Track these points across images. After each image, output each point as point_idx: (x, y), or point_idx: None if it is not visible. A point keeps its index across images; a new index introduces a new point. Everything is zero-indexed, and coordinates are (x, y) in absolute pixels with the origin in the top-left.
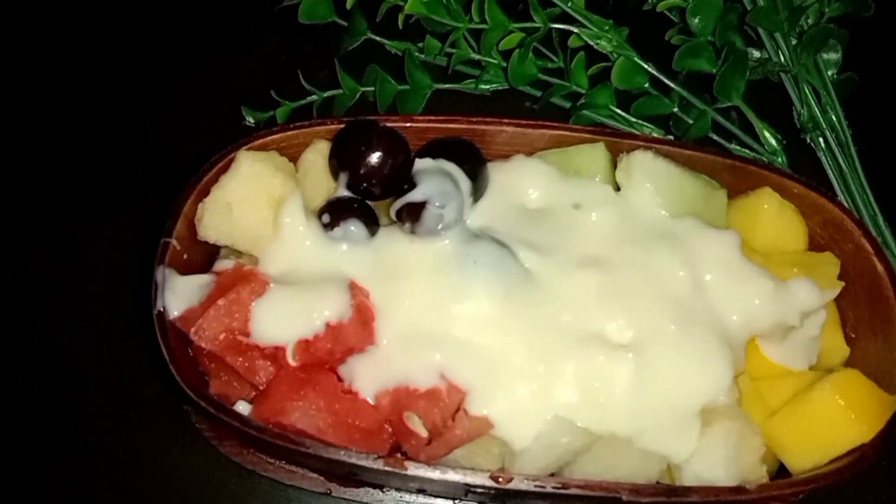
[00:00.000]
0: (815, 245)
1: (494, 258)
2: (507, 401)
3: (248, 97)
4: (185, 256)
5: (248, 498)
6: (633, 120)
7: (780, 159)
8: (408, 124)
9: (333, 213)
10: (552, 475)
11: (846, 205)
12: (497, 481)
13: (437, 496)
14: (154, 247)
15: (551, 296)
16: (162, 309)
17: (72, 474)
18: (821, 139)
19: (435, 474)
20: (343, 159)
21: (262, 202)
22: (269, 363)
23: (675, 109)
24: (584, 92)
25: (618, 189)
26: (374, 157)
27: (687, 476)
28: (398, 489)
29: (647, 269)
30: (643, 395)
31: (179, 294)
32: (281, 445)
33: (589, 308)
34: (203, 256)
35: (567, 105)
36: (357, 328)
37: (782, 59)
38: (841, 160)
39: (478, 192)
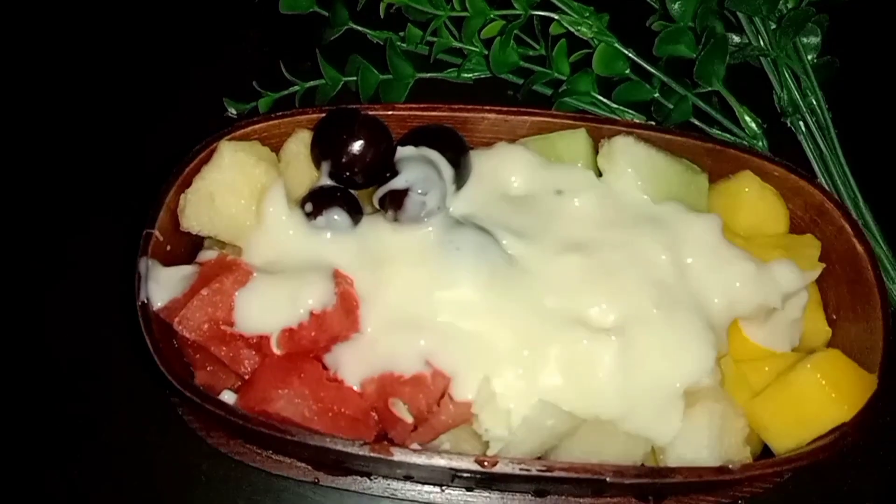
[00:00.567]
0: (796, 227)
1: (477, 245)
2: (492, 385)
3: (229, 88)
4: (168, 247)
5: (235, 489)
6: (615, 106)
7: (760, 143)
8: (389, 112)
9: (316, 202)
10: (538, 459)
11: (826, 187)
12: (483, 465)
13: (424, 482)
14: (137, 238)
15: (535, 281)
16: (145, 300)
17: (58, 466)
18: (801, 123)
19: (421, 460)
20: (325, 148)
21: (244, 192)
22: (253, 352)
23: (657, 95)
24: (565, 79)
25: (600, 174)
26: (357, 146)
27: (671, 458)
28: (385, 476)
29: (629, 254)
30: (627, 378)
31: (163, 285)
32: (267, 434)
33: (572, 293)
34: (186, 247)
35: (549, 92)
36: (341, 316)
37: (762, 43)
38: (821, 143)
39: (460, 179)
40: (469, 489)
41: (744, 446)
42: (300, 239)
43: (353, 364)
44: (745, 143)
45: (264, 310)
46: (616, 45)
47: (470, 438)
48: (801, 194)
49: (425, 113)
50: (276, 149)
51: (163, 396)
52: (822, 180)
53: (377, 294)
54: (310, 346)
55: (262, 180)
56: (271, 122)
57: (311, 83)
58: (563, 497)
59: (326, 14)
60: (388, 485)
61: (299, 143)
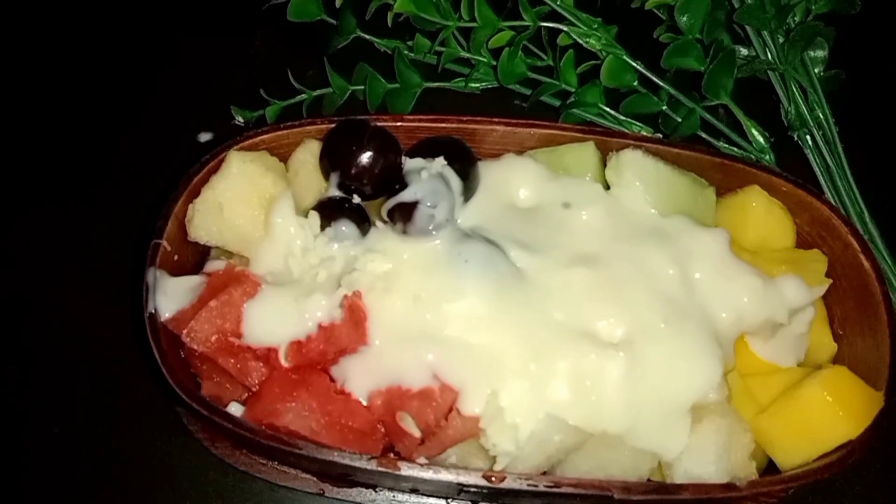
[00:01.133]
0: (802, 242)
1: (485, 257)
2: (499, 400)
3: (237, 96)
4: (176, 258)
5: (240, 499)
6: (622, 118)
7: (767, 157)
8: (398, 123)
9: (325, 213)
10: (544, 474)
11: (833, 202)
12: (490, 480)
13: (430, 495)
14: (145, 248)
15: (542, 294)
16: (153, 311)
17: (64, 475)
18: (808, 137)
19: (428, 474)
20: (334, 159)
21: (252, 202)
22: (261, 364)
23: (664, 107)
24: (573, 90)
25: (607, 187)
26: (366, 157)
27: (678, 473)
28: (391, 489)
29: (636, 268)
30: (634, 392)
31: (171, 296)
32: (274, 447)
33: (580, 307)
34: (194, 257)
35: (556, 103)
36: (349, 329)
37: (770, 56)
38: (828, 157)
39: (469, 191)
40: (475, 503)
41: (750, 461)
42: (308, 250)
43: (361, 377)
44: (753, 156)
45: (272, 322)
46: (624, 57)
47: (477, 452)
48: (808, 209)
49: (434, 124)
50: (285, 158)
51: (169, 406)
52: (829, 195)
53: (385, 307)
54: (318, 358)
55: (270, 191)
56: (280, 133)
57: (319, 91)
58: None
59: (334, 22)
60: (394, 497)
61: (307, 154)
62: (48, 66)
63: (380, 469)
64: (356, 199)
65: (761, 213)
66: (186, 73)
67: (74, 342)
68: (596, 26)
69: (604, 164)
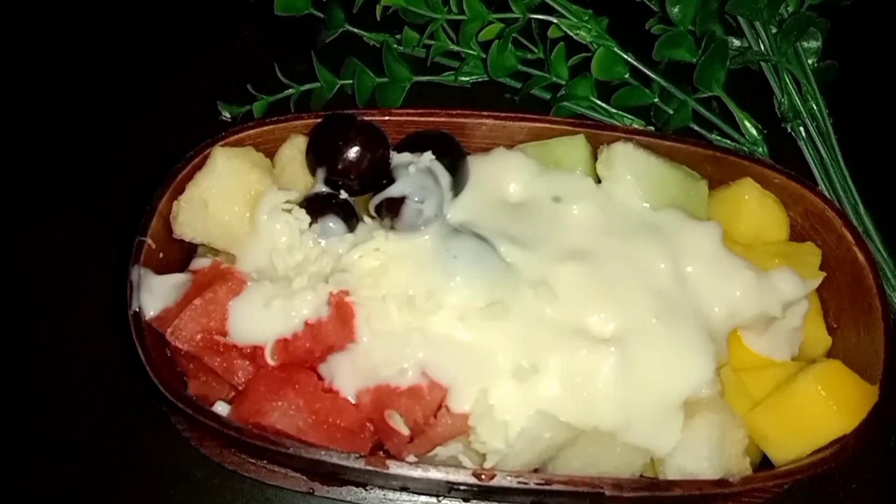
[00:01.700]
0: (796, 235)
1: (475, 253)
2: (489, 397)
3: (223, 92)
4: (161, 255)
5: (229, 498)
6: (614, 111)
7: (760, 149)
8: (386, 118)
9: (311, 209)
10: (535, 471)
11: (827, 194)
12: (480, 478)
13: (420, 493)
14: (129, 246)
15: (532, 290)
16: (138, 309)
17: (51, 476)
18: (801, 128)
19: (417, 472)
20: (320, 154)
21: (238, 199)
22: (247, 363)
23: (656, 100)
24: (564, 83)
25: (598, 181)
26: (353, 152)
27: (671, 469)
28: (381, 487)
29: (628, 262)
30: (626, 388)
31: (156, 294)
32: (261, 446)
33: (570, 302)
34: (179, 255)
35: (547, 96)
36: (336, 326)
37: (762, 47)
38: (822, 149)
39: (458, 185)
40: (465, 500)
41: (744, 457)
42: (295, 246)
43: (349, 375)
44: (745, 149)
45: (258, 319)
46: (615, 49)
47: (467, 450)
48: (801, 202)
49: (422, 118)
50: (271, 154)
51: (156, 406)
52: (823, 187)
53: (373, 303)
54: (305, 356)
55: (255, 187)
56: (266, 128)
57: (307, 86)
58: None
59: (322, 16)
60: (384, 495)
61: (294, 149)
62: (29, 64)
63: (368, 468)
64: (343, 195)
65: (754, 206)
66: (172, 69)
67: (57, 342)
68: (586, 18)
69: (595, 157)
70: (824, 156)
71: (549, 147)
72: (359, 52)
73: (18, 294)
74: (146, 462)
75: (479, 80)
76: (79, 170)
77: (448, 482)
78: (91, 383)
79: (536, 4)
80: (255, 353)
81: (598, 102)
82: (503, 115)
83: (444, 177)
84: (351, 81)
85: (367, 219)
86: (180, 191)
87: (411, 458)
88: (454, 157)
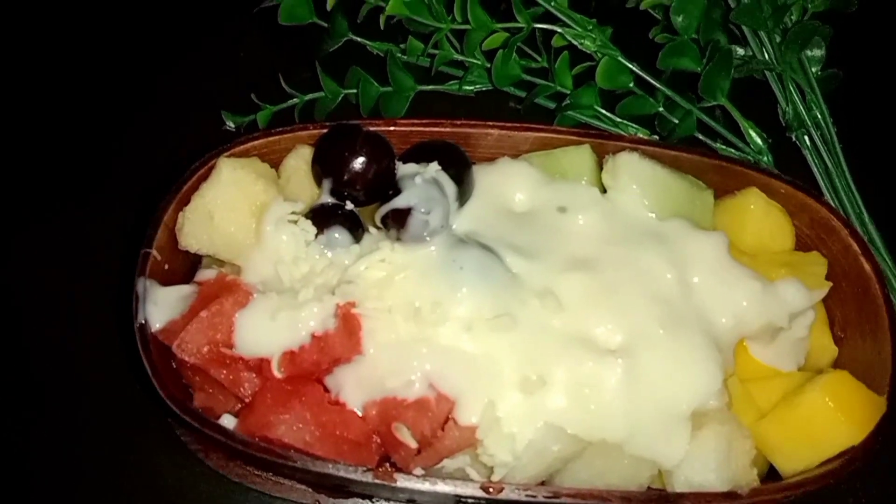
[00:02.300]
0: (802, 245)
1: (481, 264)
2: (496, 409)
3: (228, 101)
4: (167, 267)
5: None
6: (619, 120)
7: (765, 158)
8: (391, 128)
9: (317, 220)
10: (543, 483)
11: (832, 204)
12: (488, 492)
13: None
14: (134, 257)
15: (538, 301)
16: (143, 321)
17: (56, 487)
18: (806, 137)
19: (425, 486)
20: (326, 165)
21: (243, 210)
22: (254, 375)
23: (661, 109)
24: (568, 92)
25: (604, 191)
26: (359, 163)
27: (678, 481)
28: (388, 500)
29: (634, 272)
30: (633, 400)
31: (161, 306)
32: (267, 459)
33: (577, 313)
34: (184, 266)
35: (552, 106)
36: (343, 338)
37: (767, 56)
38: (826, 158)
39: (463, 196)
40: None
41: (751, 468)
42: (301, 258)
43: (356, 387)
44: (750, 158)
45: (265, 332)
46: (619, 58)
47: (474, 462)
48: (807, 211)
49: (427, 129)
50: (276, 164)
51: (161, 418)
52: (828, 196)
53: (380, 315)
54: (311, 368)
55: (261, 197)
56: (271, 138)
57: (311, 96)
58: None
59: (326, 25)
60: None
61: (299, 159)
62: (36, 69)
63: (376, 481)
64: (349, 206)
65: (760, 216)
66: (176, 79)
67: (63, 353)
68: (591, 27)
69: (600, 167)
70: (829, 164)
71: (554, 157)
72: (363, 62)
73: (21, 306)
74: (151, 475)
75: (484, 89)
76: (83, 180)
77: (456, 495)
78: (96, 396)
79: (540, 14)
80: (261, 366)
81: (603, 112)
82: (508, 125)
83: (450, 187)
84: (355, 91)
85: (372, 230)
86: (185, 202)
87: (418, 471)
88: (460, 168)
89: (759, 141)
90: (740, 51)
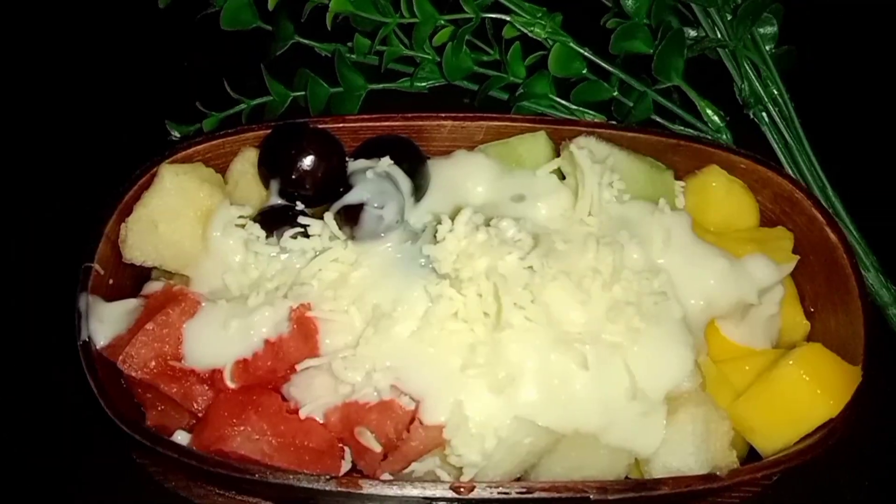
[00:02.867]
0: (766, 220)
1: None
2: (463, 407)
3: (171, 111)
4: (111, 281)
5: None
6: (574, 108)
7: (724, 136)
8: (340, 125)
9: (266, 223)
10: (517, 479)
11: (794, 177)
12: (458, 492)
13: None
14: (75, 273)
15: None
16: (87, 339)
17: None
18: (764, 114)
19: (392, 491)
20: (272, 165)
21: (189, 217)
22: (206, 388)
23: (616, 94)
24: (521, 82)
25: (563, 177)
26: (306, 161)
27: (656, 467)
28: None
29: (598, 257)
30: (604, 387)
31: (106, 322)
32: (224, 475)
33: (542, 302)
34: (131, 280)
35: (506, 97)
36: (298, 343)
37: (719, 34)
38: (786, 133)
39: (419, 190)
40: None
41: (730, 450)
42: (251, 263)
43: (315, 393)
44: (709, 136)
45: (215, 341)
46: (571, 44)
47: (444, 464)
48: (769, 185)
49: (378, 123)
50: (222, 170)
51: (115, 441)
52: (789, 170)
53: (336, 317)
54: (267, 376)
55: (206, 203)
56: (214, 142)
57: (258, 100)
58: None
59: (270, 28)
60: None
61: (246, 163)
62: None
63: (340, 489)
64: (300, 206)
65: (722, 193)
66: (119, 89)
67: (6, 378)
68: (540, 15)
69: (557, 153)
70: (789, 140)
71: (510, 146)
72: (311, 64)
73: None
74: (109, 502)
75: (437, 84)
76: (19, 194)
77: (425, 498)
78: (44, 420)
79: (489, 4)
80: (213, 378)
81: (558, 100)
82: (461, 115)
83: (404, 182)
84: (304, 93)
85: (325, 229)
86: (128, 212)
87: (386, 476)
88: (413, 162)
89: (716, 119)
90: (692, 32)
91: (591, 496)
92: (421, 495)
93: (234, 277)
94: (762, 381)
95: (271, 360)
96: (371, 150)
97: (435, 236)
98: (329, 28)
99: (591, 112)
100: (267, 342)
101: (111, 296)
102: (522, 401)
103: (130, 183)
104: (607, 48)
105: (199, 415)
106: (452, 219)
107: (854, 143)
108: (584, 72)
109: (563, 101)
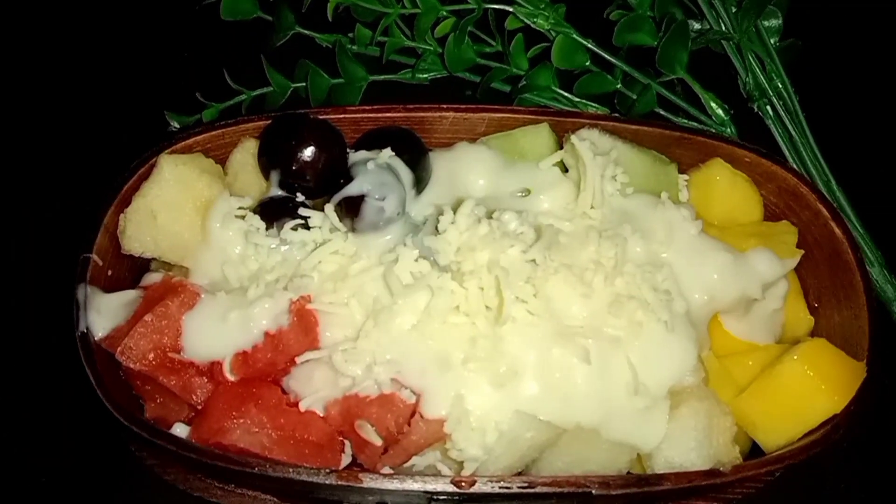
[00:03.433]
0: (770, 214)
1: None
2: (464, 400)
3: (172, 101)
4: (110, 272)
5: None
6: (577, 100)
7: (728, 130)
8: (341, 116)
9: (266, 215)
10: (519, 474)
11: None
12: (459, 486)
13: None
14: (74, 263)
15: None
16: (85, 330)
17: None
18: (768, 107)
19: (393, 485)
20: (273, 156)
21: (188, 208)
22: (205, 380)
23: (619, 86)
24: (524, 74)
25: (565, 170)
26: (306, 152)
27: (658, 463)
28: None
29: (601, 251)
30: (606, 382)
31: (104, 313)
32: (223, 467)
33: (545, 295)
34: (130, 271)
35: (508, 89)
36: (298, 335)
37: (723, 27)
38: (790, 127)
39: (420, 182)
40: None
41: (733, 445)
42: (251, 254)
43: (315, 386)
44: (713, 130)
45: (214, 333)
46: (575, 36)
47: (445, 458)
48: (773, 179)
49: (379, 115)
50: (222, 160)
51: (114, 433)
52: (794, 164)
53: (336, 309)
54: (266, 369)
55: (206, 194)
56: (214, 133)
57: (259, 91)
58: None
59: (271, 19)
60: None
61: (246, 153)
62: None
63: (340, 483)
64: (300, 198)
65: (726, 187)
66: (119, 80)
67: (5, 369)
68: (543, 6)
69: (559, 146)
70: (793, 133)
71: (512, 138)
72: (313, 55)
73: None
74: (106, 495)
75: (438, 76)
76: (19, 185)
77: (426, 492)
78: (43, 412)
79: None
80: (213, 370)
81: (561, 92)
82: (463, 107)
83: (406, 173)
84: (304, 84)
85: (325, 221)
86: (126, 203)
87: (386, 470)
88: (415, 153)
89: (720, 112)
90: (696, 24)
91: (593, 491)
92: (421, 489)
93: (234, 269)
94: (765, 377)
95: (271, 353)
96: (372, 141)
97: (437, 228)
98: (330, 19)
99: (594, 104)
100: (267, 334)
101: (110, 287)
102: (524, 395)
103: (129, 173)
104: (611, 40)
105: (199, 407)
106: (454, 211)
107: (859, 137)
108: (588, 64)
109: (566, 94)
